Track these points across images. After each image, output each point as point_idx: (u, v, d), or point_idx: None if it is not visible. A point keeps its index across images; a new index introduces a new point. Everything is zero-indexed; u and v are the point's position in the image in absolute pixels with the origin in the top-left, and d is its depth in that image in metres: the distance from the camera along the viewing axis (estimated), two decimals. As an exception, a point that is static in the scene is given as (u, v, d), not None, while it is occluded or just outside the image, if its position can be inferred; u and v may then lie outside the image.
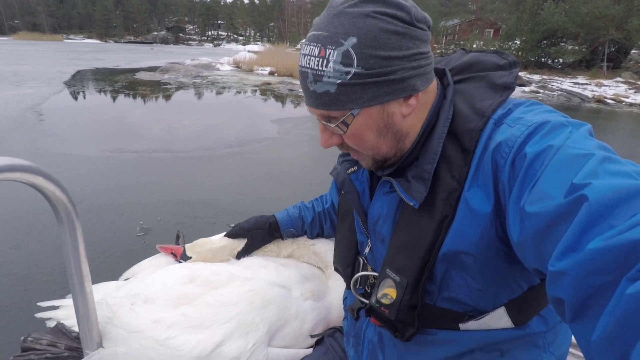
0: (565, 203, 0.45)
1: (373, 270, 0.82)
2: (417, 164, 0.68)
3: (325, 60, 0.59)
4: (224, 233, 1.25)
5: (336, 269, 0.94)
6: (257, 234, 1.21)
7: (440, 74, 0.73)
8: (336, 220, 1.19)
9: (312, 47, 0.61)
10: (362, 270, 0.84)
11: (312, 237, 1.25)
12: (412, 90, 0.63)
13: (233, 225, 1.26)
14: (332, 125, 0.66)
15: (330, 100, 0.62)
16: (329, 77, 0.60)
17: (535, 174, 0.51)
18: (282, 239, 1.25)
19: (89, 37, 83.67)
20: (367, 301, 0.81)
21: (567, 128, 0.55)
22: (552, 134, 0.55)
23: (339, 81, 0.60)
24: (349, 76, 0.59)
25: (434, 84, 0.69)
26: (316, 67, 0.60)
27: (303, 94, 0.67)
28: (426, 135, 0.69)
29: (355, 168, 0.84)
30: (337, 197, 1.13)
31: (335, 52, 0.59)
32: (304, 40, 0.65)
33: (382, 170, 0.75)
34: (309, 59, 0.61)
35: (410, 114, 0.66)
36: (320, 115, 0.66)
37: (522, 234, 0.51)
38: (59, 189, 0.73)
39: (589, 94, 15.27)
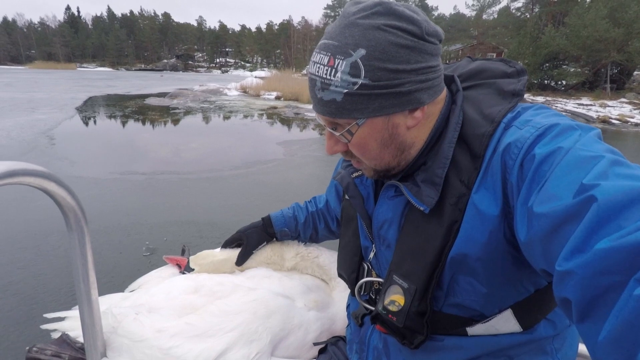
0: (574, 203, 0.44)
1: (378, 276, 0.81)
2: (426, 169, 0.68)
3: (333, 70, 0.60)
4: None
5: (340, 275, 0.93)
6: (251, 233, 1.21)
7: (449, 80, 0.74)
8: (330, 220, 1.19)
9: (322, 55, 0.62)
10: (367, 276, 0.83)
11: (305, 238, 1.24)
12: (418, 103, 0.64)
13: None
14: (337, 134, 0.67)
15: (337, 109, 0.63)
16: (336, 86, 0.61)
17: (544, 175, 0.51)
18: (277, 239, 1.25)
19: (101, 65, 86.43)
20: (372, 308, 0.81)
21: (577, 131, 0.55)
22: (562, 136, 0.55)
23: (345, 90, 0.61)
24: (355, 86, 0.60)
25: (443, 94, 0.69)
26: (324, 76, 0.62)
27: (311, 101, 0.68)
28: (434, 141, 0.70)
29: (360, 172, 0.84)
30: (334, 198, 1.13)
31: (344, 62, 0.60)
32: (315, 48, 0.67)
33: (386, 179, 0.76)
34: (318, 67, 0.62)
35: (415, 126, 0.67)
36: (326, 122, 0.67)
37: (530, 235, 0.51)
38: (70, 195, 0.75)
39: (593, 114, 15.30)
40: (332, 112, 0.64)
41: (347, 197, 0.88)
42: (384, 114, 0.63)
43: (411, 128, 0.67)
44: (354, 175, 0.84)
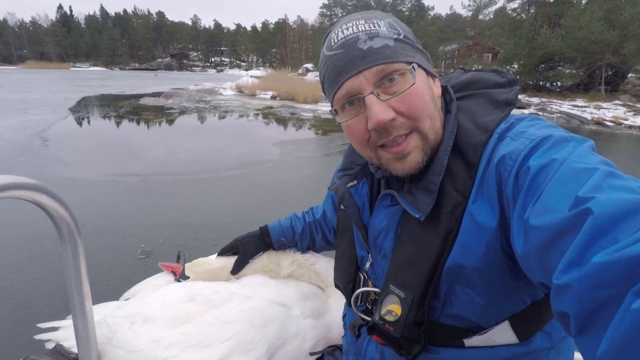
0: (570, 216, 0.44)
1: (374, 286, 0.80)
2: (421, 177, 0.69)
3: (376, 24, 0.65)
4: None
5: (336, 286, 0.92)
6: (249, 242, 1.22)
7: (442, 90, 0.75)
8: (327, 231, 1.19)
9: (353, 22, 0.65)
10: (363, 287, 0.82)
11: (302, 248, 1.25)
12: (433, 74, 0.70)
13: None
14: (397, 76, 0.63)
15: (392, 53, 0.63)
16: (385, 34, 0.64)
17: (539, 187, 0.51)
18: (274, 249, 1.25)
19: (95, 65, 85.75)
20: (368, 318, 0.80)
21: (571, 143, 0.56)
22: (556, 147, 0.55)
23: (395, 37, 0.65)
24: (401, 36, 0.66)
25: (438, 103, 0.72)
26: (368, 29, 0.64)
27: (344, 67, 0.65)
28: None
29: (355, 182, 0.83)
30: (330, 208, 1.12)
31: (382, 22, 0.65)
32: (332, 33, 0.68)
33: (407, 176, 0.70)
34: (356, 27, 0.64)
35: (438, 97, 0.71)
36: (378, 73, 0.63)
37: (526, 247, 0.51)
38: (62, 207, 0.74)
39: (588, 116, 15.41)
40: (387, 56, 0.63)
41: (342, 207, 0.87)
42: (425, 67, 0.68)
43: (438, 98, 0.71)
44: (349, 185, 0.84)
